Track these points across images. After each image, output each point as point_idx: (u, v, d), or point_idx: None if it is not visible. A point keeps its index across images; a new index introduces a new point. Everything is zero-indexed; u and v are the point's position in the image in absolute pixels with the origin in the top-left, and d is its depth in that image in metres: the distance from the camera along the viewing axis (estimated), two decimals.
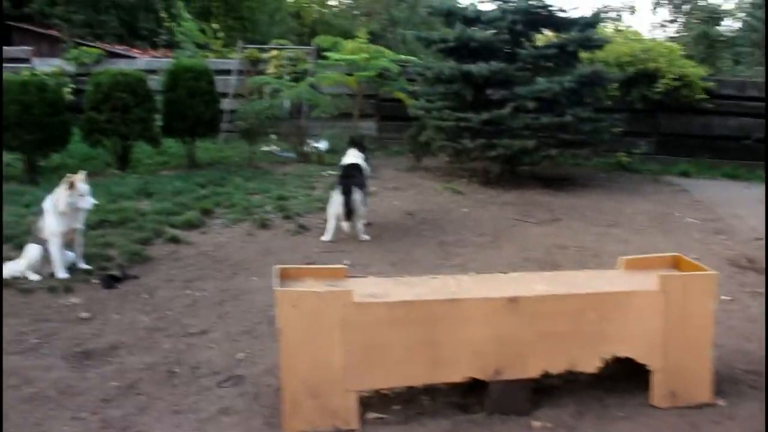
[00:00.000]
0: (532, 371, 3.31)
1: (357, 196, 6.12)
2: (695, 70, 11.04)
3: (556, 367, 3.35)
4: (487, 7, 9.28)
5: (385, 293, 3.22)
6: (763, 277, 5.40)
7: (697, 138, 11.63)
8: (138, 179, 8.03)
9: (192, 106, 8.69)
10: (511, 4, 8.76)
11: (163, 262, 5.45)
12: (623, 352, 3.38)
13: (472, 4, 9.29)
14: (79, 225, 5.05)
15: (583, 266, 5.56)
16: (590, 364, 3.36)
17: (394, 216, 7.23)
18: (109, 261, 5.34)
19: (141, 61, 13.38)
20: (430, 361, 3.19)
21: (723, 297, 4.66)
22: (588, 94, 8.85)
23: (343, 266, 3.46)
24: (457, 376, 3.24)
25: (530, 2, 8.57)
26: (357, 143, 6.74)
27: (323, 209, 7.23)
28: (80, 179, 4.88)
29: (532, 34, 9.18)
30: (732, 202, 8.82)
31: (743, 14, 19.31)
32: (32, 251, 4.91)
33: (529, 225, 7.10)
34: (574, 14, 8.85)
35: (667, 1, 23.87)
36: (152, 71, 10.65)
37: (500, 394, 3.27)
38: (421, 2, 25.34)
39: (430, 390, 3.37)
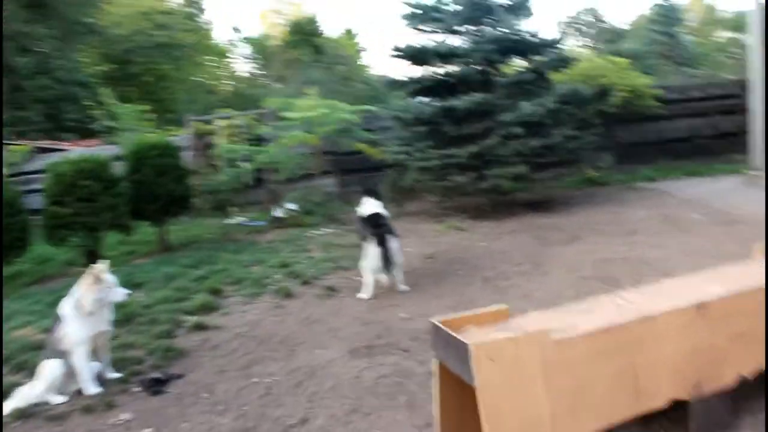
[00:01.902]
0: (729, 379, 2.92)
1: (394, 244, 5.62)
2: (643, 80, 11.42)
3: (749, 370, 2.97)
4: (454, 42, 9.10)
5: (569, 326, 2.73)
6: None
7: (652, 144, 11.97)
8: (114, 271, 7.11)
9: (162, 185, 7.94)
10: (483, 35, 8.69)
11: (201, 353, 4.67)
12: (756, 365, 3.04)
13: (443, 42, 9.09)
14: (107, 327, 4.24)
15: (641, 276, 5.28)
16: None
17: (416, 263, 6.73)
18: (139, 363, 4.51)
19: (74, 153, 12.36)
20: (631, 391, 2.72)
21: None
22: (567, 112, 8.83)
23: (505, 306, 2.94)
24: (660, 401, 2.78)
25: (502, 30, 8.56)
26: (372, 192, 6.30)
27: (338, 268, 6.73)
28: (104, 269, 4.12)
29: (505, 62, 9.14)
30: (715, 195, 8.96)
31: (643, 32, 20.69)
32: (51, 368, 4.03)
33: (557, 247, 6.81)
34: (541, 37, 8.88)
35: (572, 28, 25.27)
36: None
37: (703, 411, 2.83)
38: (336, 62, 25.52)
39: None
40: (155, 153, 8.02)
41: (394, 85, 9.40)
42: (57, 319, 4.16)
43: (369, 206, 6.12)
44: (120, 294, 4.13)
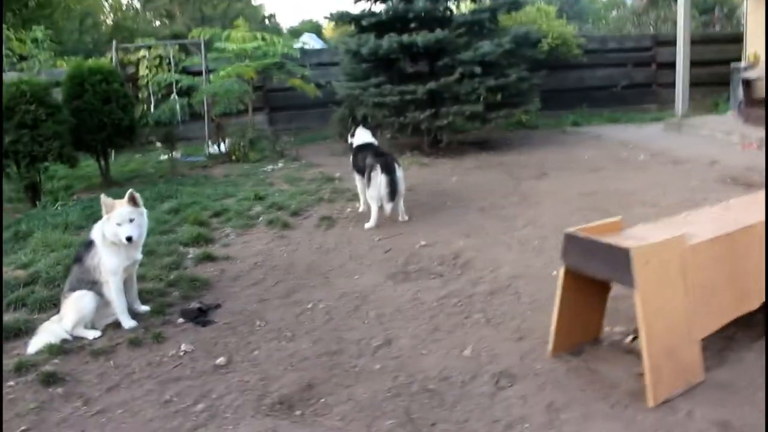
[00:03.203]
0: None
1: (400, 173, 5.56)
2: (570, 30, 11.89)
3: None
4: None
5: (692, 233, 2.87)
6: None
7: (573, 91, 12.58)
8: (70, 208, 6.47)
9: (108, 113, 7.22)
10: None
11: (226, 284, 4.42)
12: None
13: None
14: (140, 255, 3.86)
15: (629, 206, 5.65)
16: None
17: None
18: (163, 296, 4.18)
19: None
20: (738, 294, 2.95)
21: None
22: (518, 54, 9.03)
23: (618, 218, 3.04)
24: (757, 302, 3.03)
25: None
26: (364, 122, 6.18)
27: (321, 201, 6.61)
28: (121, 202, 3.66)
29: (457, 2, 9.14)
30: (645, 139, 9.61)
31: None
32: (84, 301, 3.65)
33: (530, 181, 7.06)
34: None
35: None
36: None
37: None
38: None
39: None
40: (98, 78, 7.25)
41: (348, 17, 9.08)
42: (88, 246, 3.74)
43: (362, 136, 6.01)
44: (125, 233, 3.62)
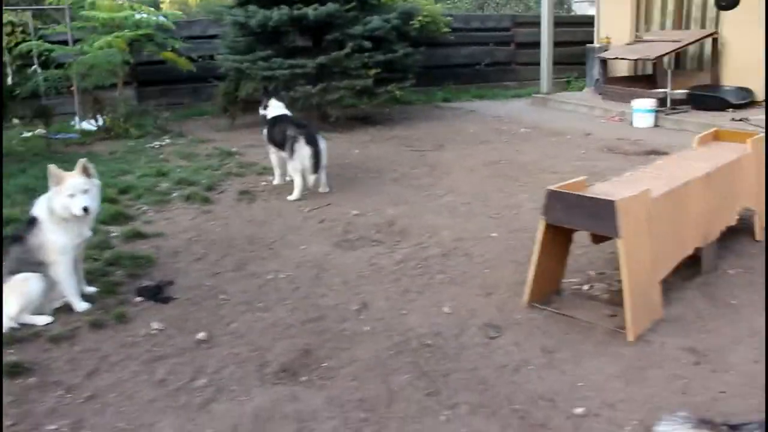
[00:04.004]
0: (718, 232, 3.82)
1: (323, 144, 5.57)
2: (437, 7, 12.38)
3: (725, 226, 3.91)
4: None
5: (640, 191, 3.27)
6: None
7: (441, 68, 13.12)
8: None
9: None
10: None
11: (168, 260, 4.21)
12: (744, 203, 4.12)
13: None
14: (89, 233, 3.56)
15: (533, 174, 6.17)
16: (733, 219, 4.02)
17: None
18: (105, 275, 3.90)
19: None
20: (678, 243, 3.44)
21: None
22: (402, 30, 9.27)
23: (583, 177, 3.36)
24: (690, 249, 3.55)
25: None
26: (277, 93, 6.06)
27: (230, 175, 6.43)
28: (71, 173, 3.35)
29: None
30: (517, 114, 10.21)
31: None
32: (30, 284, 3.30)
33: (432, 153, 7.36)
34: None
35: None
36: None
37: (707, 255, 3.70)
38: None
39: None
40: None
41: None
42: (30, 224, 3.38)
43: (275, 108, 5.93)
44: (78, 206, 3.28)
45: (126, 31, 8.99)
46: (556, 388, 2.69)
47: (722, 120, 7.88)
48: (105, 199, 5.25)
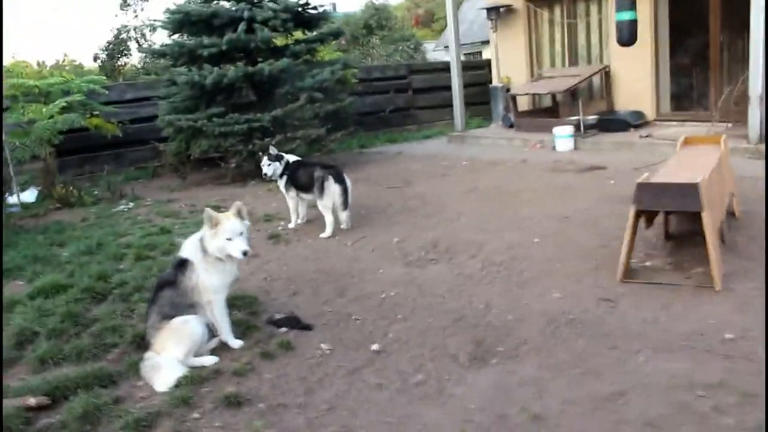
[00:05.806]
0: (724, 209, 4.78)
1: (349, 183, 5.97)
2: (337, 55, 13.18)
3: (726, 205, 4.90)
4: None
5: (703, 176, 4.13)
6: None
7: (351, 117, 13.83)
8: None
9: None
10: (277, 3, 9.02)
11: (267, 298, 4.38)
12: (729, 190, 5.18)
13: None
14: (238, 272, 3.70)
15: (514, 195, 6.91)
16: (727, 201, 5.04)
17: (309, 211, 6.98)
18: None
19: None
20: (718, 215, 4.33)
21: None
22: (342, 81, 9.91)
23: (647, 174, 4.13)
24: (720, 215, 4.46)
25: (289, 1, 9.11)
26: (273, 150, 6.33)
27: None
28: (227, 215, 3.57)
29: (293, 31, 9.61)
30: (442, 151, 10.97)
31: None
32: (191, 326, 3.39)
33: (407, 189, 7.84)
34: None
35: None
36: None
37: (726, 227, 4.64)
38: None
39: None
40: None
41: (175, 50, 8.90)
42: (181, 266, 3.48)
43: (288, 156, 6.29)
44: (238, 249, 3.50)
45: (62, 99, 8.75)
46: (696, 328, 3.37)
47: (632, 138, 9.37)
48: (138, 257, 5.30)
